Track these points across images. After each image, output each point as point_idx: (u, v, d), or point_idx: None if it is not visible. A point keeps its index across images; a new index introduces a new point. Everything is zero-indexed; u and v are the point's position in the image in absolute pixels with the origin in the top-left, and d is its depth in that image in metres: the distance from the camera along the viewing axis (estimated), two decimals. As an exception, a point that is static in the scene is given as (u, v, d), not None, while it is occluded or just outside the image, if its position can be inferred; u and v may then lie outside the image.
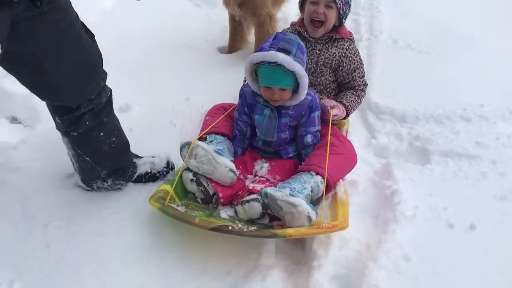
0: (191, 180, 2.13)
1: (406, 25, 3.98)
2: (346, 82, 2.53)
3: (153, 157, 2.41)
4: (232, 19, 3.59)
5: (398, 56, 3.58)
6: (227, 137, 2.33)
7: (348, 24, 3.69)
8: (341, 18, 2.48)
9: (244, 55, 3.49)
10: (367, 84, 2.62)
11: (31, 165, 2.43)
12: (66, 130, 2.10)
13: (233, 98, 2.60)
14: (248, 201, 2.01)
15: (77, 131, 2.09)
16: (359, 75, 2.53)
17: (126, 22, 3.80)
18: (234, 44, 3.69)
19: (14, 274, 1.89)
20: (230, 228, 1.89)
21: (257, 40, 3.47)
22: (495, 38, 3.74)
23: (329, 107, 2.33)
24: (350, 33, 2.60)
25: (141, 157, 2.40)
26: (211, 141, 2.27)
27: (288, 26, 2.69)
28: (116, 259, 1.96)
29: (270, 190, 2.02)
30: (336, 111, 2.35)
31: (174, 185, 2.10)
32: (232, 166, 2.15)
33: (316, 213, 1.96)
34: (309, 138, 2.30)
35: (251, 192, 2.11)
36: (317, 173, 2.11)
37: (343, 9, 2.45)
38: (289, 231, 1.88)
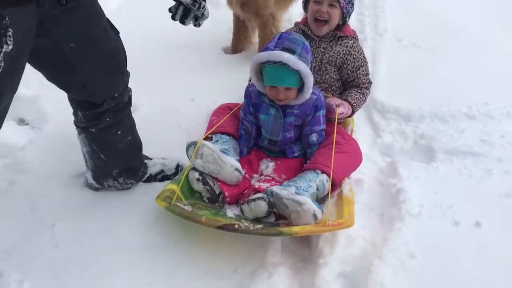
0: (197, 179, 2.14)
1: (410, 24, 3.98)
2: (350, 80, 2.54)
3: (163, 159, 2.44)
4: (237, 19, 3.60)
5: (403, 55, 3.58)
6: (232, 137, 2.34)
7: (353, 23, 3.71)
8: (344, 17, 2.49)
9: (249, 55, 3.50)
10: (372, 82, 2.63)
11: (39, 166, 2.45)
12: (86, 125, 2.13)
13: (238, 98, 2.62)
14: (254, 200, 2.02)
15: (97, 127, 2.12)
16: (363, 73, 2.54)
17: (130, 22, 3.81)
18: (237, 45, 3.70)
19: (23, 274, 1.91)
20: (236, 226, 1.90)
21: (261, 40, 3.48)
22: (500, 36, 3.73)
23: (334, 106, 2.34)
24: (354, 31, 2.60)
25: (151, 159, 2.42)
26: (217, 141, 2.28)
27: (292, 26, 2.70)
28: (123, 258, 1.97)
29: (275, 188, 2.03)
30: (342, 109, 2.36)
31: (180, 185, 2.12)
32: (238, 165, 2.16)
33: (322, 211, 1.97)
34: (314, 137, 2.31)
35: (257, 191, 2.12)
36: (323, 172, 2.12)
37: (346, 8, 2.46)
38: (295, 229, 1.89)
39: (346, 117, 2.50)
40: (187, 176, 2.18)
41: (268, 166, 2.30)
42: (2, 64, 1.37)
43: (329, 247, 1.95)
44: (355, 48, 2.52)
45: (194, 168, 2.17)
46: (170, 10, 2.08)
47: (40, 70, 1.93)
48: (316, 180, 2.10)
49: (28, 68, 1.82)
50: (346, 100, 2.45)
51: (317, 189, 2.09)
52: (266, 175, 2.26)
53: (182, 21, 2.08)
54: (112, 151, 2.21)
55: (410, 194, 2.24)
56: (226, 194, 2.16)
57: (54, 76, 1.97)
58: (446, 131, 2.73)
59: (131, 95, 2.21)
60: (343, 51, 2.50)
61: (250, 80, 2.47)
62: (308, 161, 2.27)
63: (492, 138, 2.64)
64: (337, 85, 2.56)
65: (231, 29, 3.72)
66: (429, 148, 2.61)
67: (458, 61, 3.41)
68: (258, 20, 3.41)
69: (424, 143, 2.65)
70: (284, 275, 1.88)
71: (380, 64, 3.42)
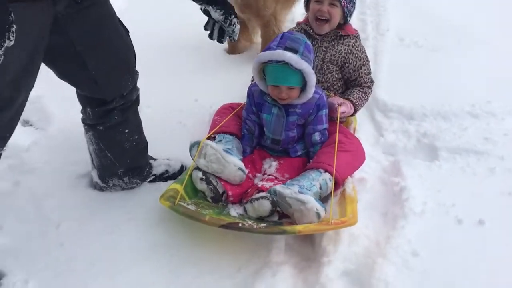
0: (201, 179, 2.15)
1: (412, 23, 3.97)
2: (352, 79, 2.55)
3: (167, 159, 2.46)
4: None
5: (405, 54, 3.57)
6: (235, 136, 2.35)
7: (355, 22, 3.70)
8: (345, 16, 2.50)
9: (251, 55, 3.50)
10: (374, 81, 2.63)
11: (43, 167, 2.46)
12: (94, 123, 2.16)
13: (241, 97, 2.62)
14: (257, 199, 2.03)
15: (104, 125, 2.14)
16: (365, 71, 2.54)
17: (134, 23, 3.83)
18: (234, 44, 3.66)
19: (28, 273, 1.92)
20: (240, 225, 1.91)
21: (263, 40, 3.48)
22: (502, 35, 3.72)
23: (336, 105, 2.34)
24: (356, 30, 2.61)
25: (155, 159, 2.43)
26: (220, 141, 2.29)
27: (294, 25, 2.71)
28: (127, 257, 1.99)
29: (279, 187, 2.03)
30: (344, 108, 2.36)
31: (184, 184, 2.13)
32: (241, 164, 2.16)
33: (325, 210, 1.97)
34: (317, 136, 2.31)
35: (260, 190, 2.12)
36: (326, 171, 2.13)
37: (347, 7, 2.47)
38: (298, 227, 1.90)
39: (349, 116, 2.51)
40: (190, 175, 2.19)
41: (271, 166, 2.30)
42: (2, 58, 1.39)
43: (333, 245, 1.96)
44: (356, 47, 2.53)
45: (197, 168, 2.18)
46: (205, 28, 2.11)
47: (52, 67, 1.96)
48: (319, 179, 2.11)
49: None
50: (348, 99, 2.45)
51: (320, 188, 2.10)
52: (269, 174, 2.26)
53: (220, 40, 2.12)
54: (119, 150, 2.22)
55: (413, 192, 2.24)
56: (230, 193, 2.16)
57: (66, 72, 1.99)
58: (448, 129, 2.72)
59: (139, 94, 2.23)
60: (345, 50, 2.51)
61: (252, 80, 2.47)
62: (311, 160, 2.28)
63: (495, 136, 2.64)
64: (339, 84, 2.56)
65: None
66: (432, 146, 2.61)
67: (460, 60, 3.40)
68: (260, 21, 3.41)
69: (427, 142, 2.64)
70: (288, 274, 1.88)
71: (382, 63, 3.41)
